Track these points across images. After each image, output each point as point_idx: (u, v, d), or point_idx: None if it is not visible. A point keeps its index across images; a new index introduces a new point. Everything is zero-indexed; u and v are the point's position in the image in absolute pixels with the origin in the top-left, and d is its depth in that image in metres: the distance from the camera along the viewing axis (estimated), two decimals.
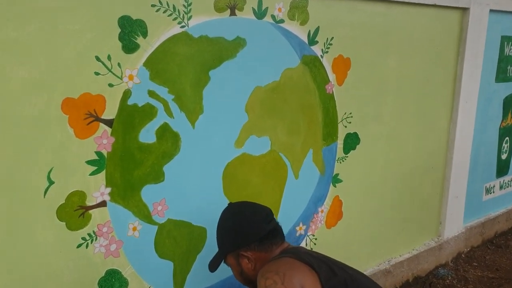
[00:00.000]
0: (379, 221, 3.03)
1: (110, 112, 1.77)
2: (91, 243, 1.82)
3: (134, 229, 1.93)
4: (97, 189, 1.79)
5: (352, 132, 2.69)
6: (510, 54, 3.74)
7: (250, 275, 1.73)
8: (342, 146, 2.66)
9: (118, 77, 1.77)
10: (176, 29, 1.89)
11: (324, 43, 2.43)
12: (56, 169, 1.68)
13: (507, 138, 4.01)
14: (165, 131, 1.94)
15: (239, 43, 2.10)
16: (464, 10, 3.20)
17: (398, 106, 2.95)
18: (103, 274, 1.88)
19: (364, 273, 2.94)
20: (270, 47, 2.22)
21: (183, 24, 1.91)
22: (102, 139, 1.77)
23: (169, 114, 1.94)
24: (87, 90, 1.70)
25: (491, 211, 4.10)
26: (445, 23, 3.12)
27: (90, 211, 1.79)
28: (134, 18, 1.77)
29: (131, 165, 1.87)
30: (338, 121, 2.61)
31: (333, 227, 2.73)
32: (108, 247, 1.87)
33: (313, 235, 2.64)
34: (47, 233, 1.70)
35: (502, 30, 3.60)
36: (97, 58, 1.70)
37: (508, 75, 3.79)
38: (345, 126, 2.65)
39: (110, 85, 1.75)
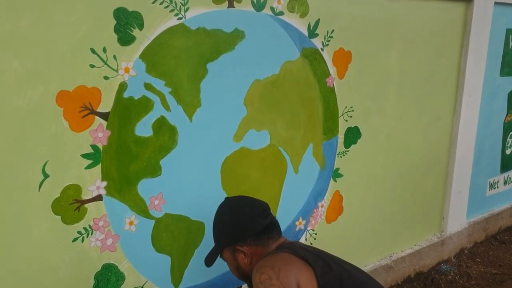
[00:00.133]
0: (380, 216, 3.01)
1: (105, 105, 1.75)
2: (87, 237, 1.80)
3: (131, 223, 1.92)
4: (93, 182, 1.78)
5: (353, 126, 2.66)
6: None
7: (246, 270, 1.72)
8: (343, 140, 2.63)
9: (113, 69, 1.75)
10: (173, 21, 1.87)
11: (325, 36, 2.39)
12: (51, 162, 1.66)
13: (511, 132, 3.96)
14: (162, 125, 1.92)
15: (237, 35, 2.07)
16: (468, 2, 3.15)
17: (400, 99, 2.91)
18: (100, 269, 1.87)
19: (365, 268, 2.94)
20: (269, 40, 2.19)
21: (180, 16, 1.88)
22: (98, 132, 1.75)
23: (166, 107, 1.92)
24: (82, 83, 1.68)
25: (495, 206, 4.06)
26: (449, 15, 3.07)
27: (86, 205, 1.78)
28: (130, 10, 1.75)
29: (127, 158, 1.85)
30: (339, 115, 2.58)
31: (334, 222, 2.71)
32: (104, 241, 1.86)
33: (313, 230, 2.62)
34: (42, 227, 1.69)
35: (507, 23, 3.54)
36: (93, 50, 1.68)
37: None
38: (346, 120, 2.62)
39: (106, 77, 1.73)
